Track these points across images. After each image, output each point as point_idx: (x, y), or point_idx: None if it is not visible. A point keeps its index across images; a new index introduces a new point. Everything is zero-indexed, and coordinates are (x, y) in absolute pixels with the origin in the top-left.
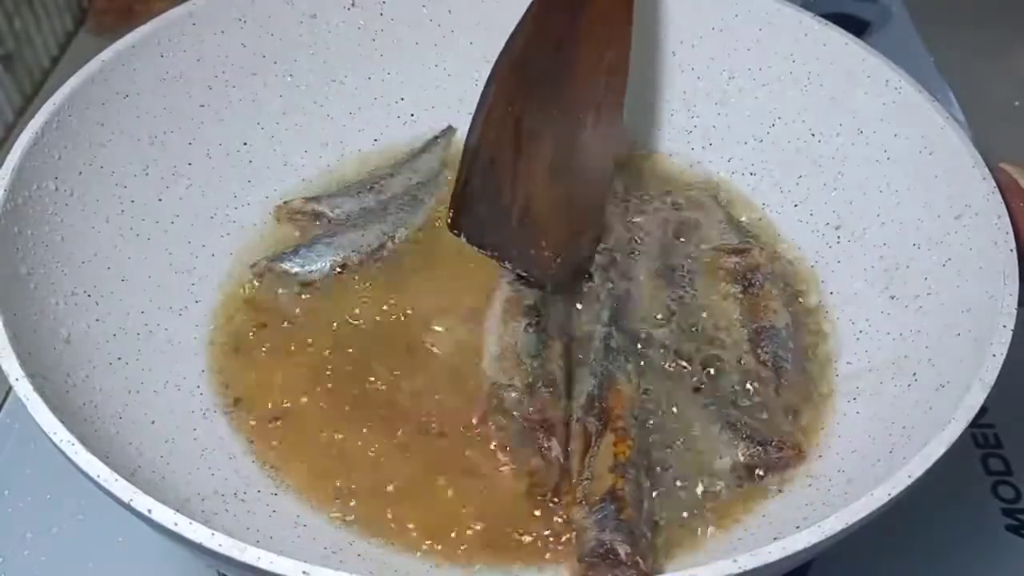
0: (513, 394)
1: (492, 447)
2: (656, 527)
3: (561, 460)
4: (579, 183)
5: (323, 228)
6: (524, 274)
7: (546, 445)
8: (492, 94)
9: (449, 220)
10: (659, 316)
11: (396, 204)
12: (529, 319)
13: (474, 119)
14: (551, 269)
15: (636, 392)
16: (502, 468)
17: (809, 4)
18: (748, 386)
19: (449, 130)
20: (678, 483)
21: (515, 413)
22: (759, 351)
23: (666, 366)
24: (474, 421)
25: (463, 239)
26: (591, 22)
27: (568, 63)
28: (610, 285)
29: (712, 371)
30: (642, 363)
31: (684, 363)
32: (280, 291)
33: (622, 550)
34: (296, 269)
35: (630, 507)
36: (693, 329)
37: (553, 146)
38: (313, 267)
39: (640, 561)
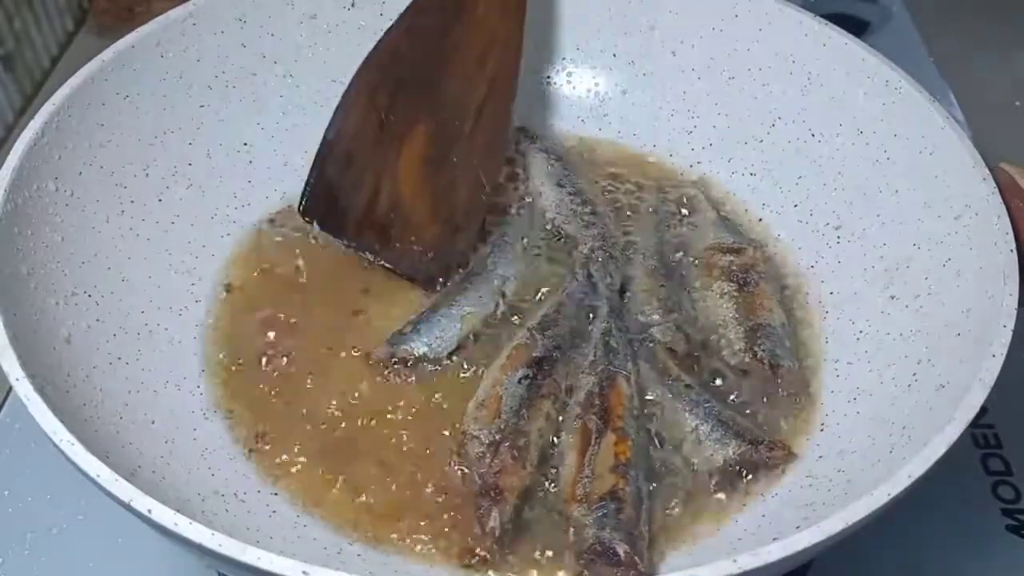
0: (478, 448)
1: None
2: (653, 526)
3: (497, 534)
4: (458, 181)
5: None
6: (389, 267)
7: (486, 514)
8: (354, 90)
9: (301, 207)
10: (655, 315)
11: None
12: (527, 371)
13: (335, 113)
14: (421, 264)
15: (636, 392)
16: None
17: (809, 4)
18: (742, 384)
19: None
20: (679, 481)
21: (473, 469)
22: (756, 348)
23: (660, 364)
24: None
25: (316, 226)
26: (467, 31)
27: (439, 66)
28: (608, 280)
29: (707, 370)
30: (638, 362)
31: (678, 361)
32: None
33: (620, 549)
34: (423, 350)
35: (630, 507)
36: (688, 327)
37: (427, 142)
38: (441, 345)
39: (637, 560)
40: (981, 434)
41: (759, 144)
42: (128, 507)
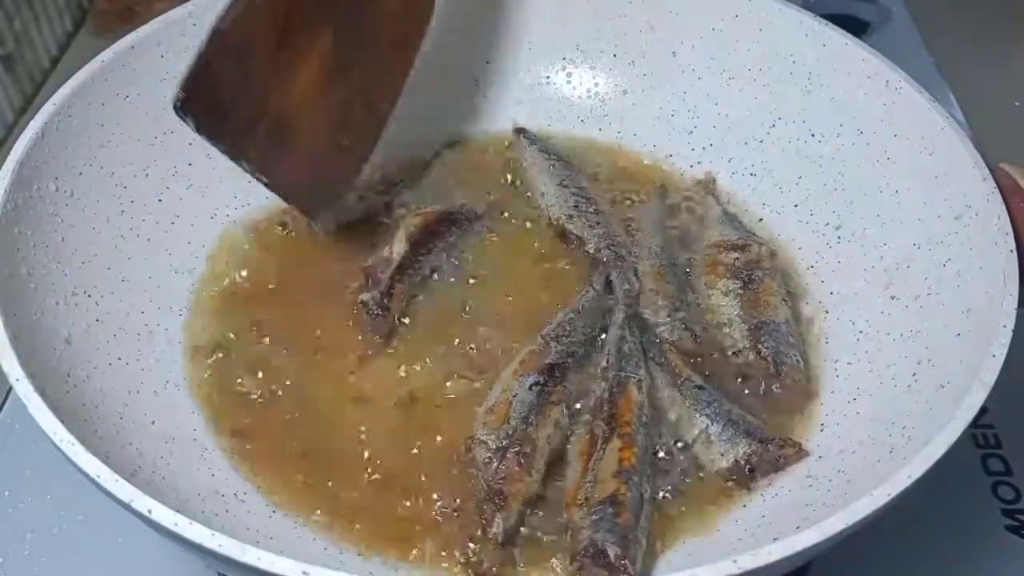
0: (485, 453)
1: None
2: (654, 526)
3: (500, 540)
4: (354, 98)
5: None
6: (264, 183)
7: (490, 519)
8: None
9: (178, 102)
10: (662, 313)
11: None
12: (538, 378)
13: (231, 2)
14: (299, 185)
15: (646, 398)
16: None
17: (809, 4)
18: (750, 383)
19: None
20: (680, 481)
21: (479, 474)
22: (760, 346)
23: (671, 365)
24: None
25: (191, 126)
26: None
27: None
28: (627, 287)
29: (714, 368)
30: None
31: (686, 360)
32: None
33: (612, 552)
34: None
35: (628, 512)
36: (695, 325)
37: (329, 49)
38: None
39: (628, 564)
40: (981, 434)
41: (759, 144)
42: (128, 507)
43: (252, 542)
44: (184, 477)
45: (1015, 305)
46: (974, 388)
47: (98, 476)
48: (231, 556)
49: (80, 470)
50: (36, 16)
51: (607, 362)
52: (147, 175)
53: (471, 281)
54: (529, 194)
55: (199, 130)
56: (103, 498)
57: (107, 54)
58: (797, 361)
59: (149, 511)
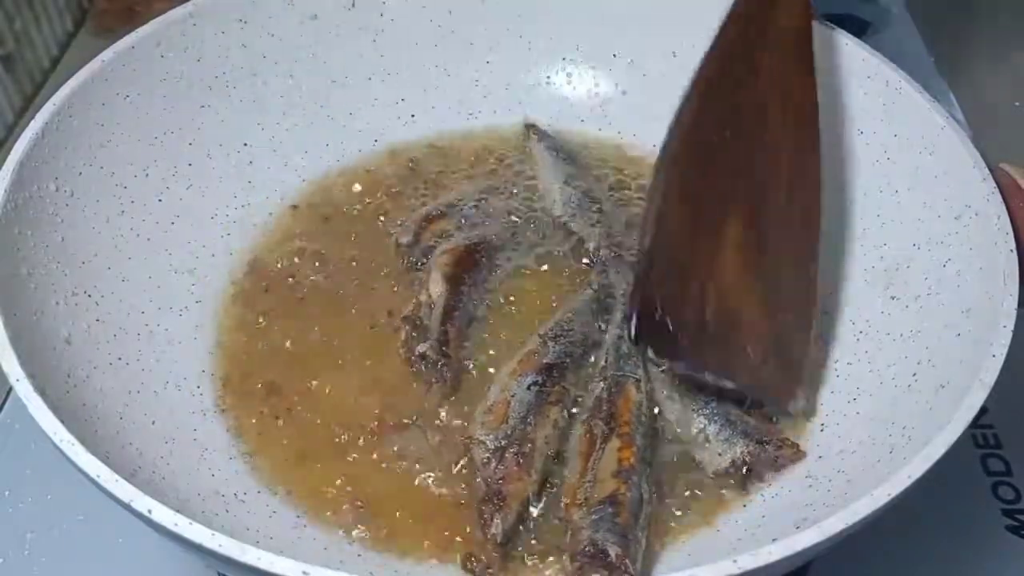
0: (483, 453)
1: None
2: (654, 526)
3: (499, 540)
4: (781, 263)
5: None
6: (729, 383)
7: (488, 520)
8: (662, 187)
9: (632, 336)
10: None
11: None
12: (537, 378)
13: (644, 219)
14: (761, 372)
15: (645, 398)
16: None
17: None
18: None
19: None
20: (680, 480)
21: (478, 474)
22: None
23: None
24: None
25: (651, 355)
26: (762, 89)
27: (741, 136)
28: (626, 285)
29: None
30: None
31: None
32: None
33: (613, 551)
34: None
35: (627, 512)
36: None
37: (743, 226)
38: None
39: (629, 564)
40: (981, 434)
41: None
42: (128, 507)
43: (252, 542)
44: (184, 477)
45: (1015, 305)
46: (974, 388)
47: (98, 476)
48: (231, 556)
49: (80, 470)
50: (36, 16)
51: (605, 361)
52: (147, 175)
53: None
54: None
55: (659, 356)
56: (103, 498)
57: (107, 54)
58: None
59: (149, 511)
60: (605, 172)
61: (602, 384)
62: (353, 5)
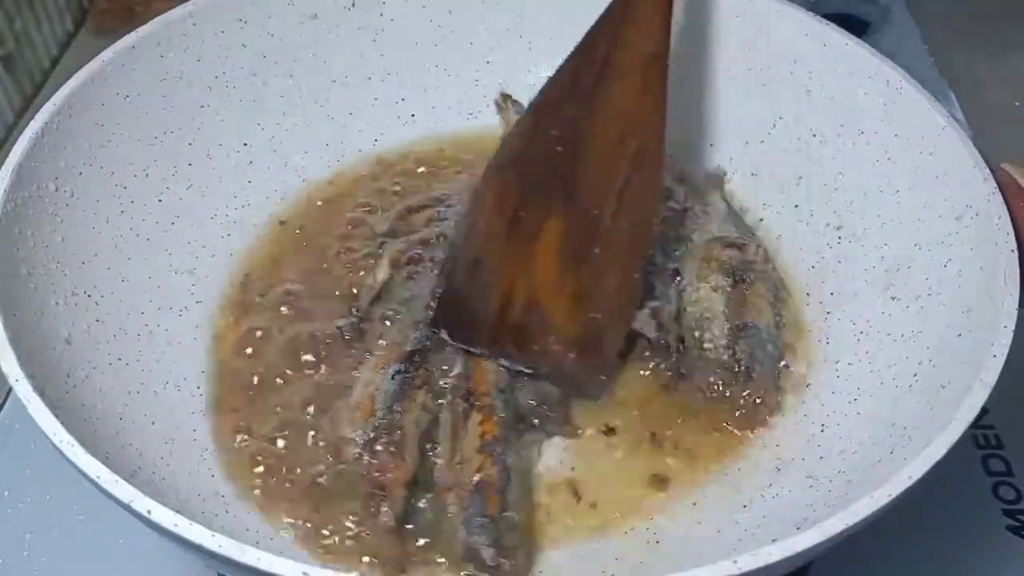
0: (353, 449)
1: None
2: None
3: (390, 525)
4: (602, 273)
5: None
6: (528, 370)
7: (376, 511)
8: (480, 195)
9: (431, 319)
10: (645, 301)
11: None
12: (399, 366)
13: (460, 220)
14: (564, 366)
15: (498, 366)
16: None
17: (809, 4)
18: (719, 380)
19: None
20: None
21: (358, 472)
22: (735, 348)
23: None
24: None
25: (445, 335)
26: (603, 118)
27: (572, 157)
28: None
29: (687, 366)
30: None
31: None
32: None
33: (486, 554)
34: None
35: (496, 492)
36: (667, 317)
37: (561, 236)
38: None
39: (504, 562)
40: (982, 435)
41: (759, 144)
42: (128, 508)
43: (252, 543)
44: (184, 478)
45: (1016, 305)
46: (975, 388)
47: (98, 477)
48: (231, 557)
49: (80, 471)
50: (36, 16)
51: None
52: (147, 175)
53: None
54: None
55: (453, 340)
56: (103, 498)
57: (107, 54)
58: (770, 369)
59: (149, 512)
60: None
61: (460, 360)
62: (353, 5)
